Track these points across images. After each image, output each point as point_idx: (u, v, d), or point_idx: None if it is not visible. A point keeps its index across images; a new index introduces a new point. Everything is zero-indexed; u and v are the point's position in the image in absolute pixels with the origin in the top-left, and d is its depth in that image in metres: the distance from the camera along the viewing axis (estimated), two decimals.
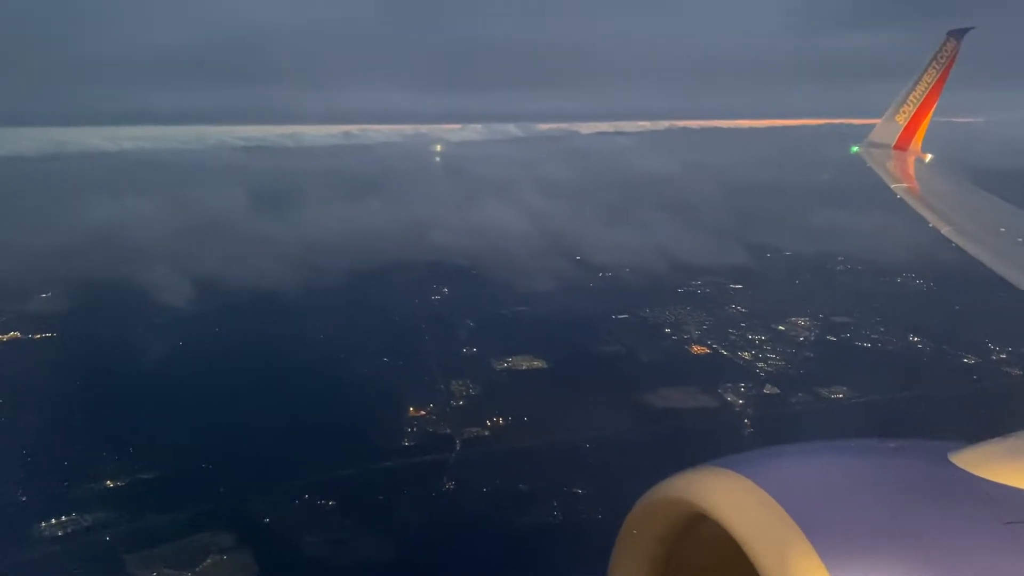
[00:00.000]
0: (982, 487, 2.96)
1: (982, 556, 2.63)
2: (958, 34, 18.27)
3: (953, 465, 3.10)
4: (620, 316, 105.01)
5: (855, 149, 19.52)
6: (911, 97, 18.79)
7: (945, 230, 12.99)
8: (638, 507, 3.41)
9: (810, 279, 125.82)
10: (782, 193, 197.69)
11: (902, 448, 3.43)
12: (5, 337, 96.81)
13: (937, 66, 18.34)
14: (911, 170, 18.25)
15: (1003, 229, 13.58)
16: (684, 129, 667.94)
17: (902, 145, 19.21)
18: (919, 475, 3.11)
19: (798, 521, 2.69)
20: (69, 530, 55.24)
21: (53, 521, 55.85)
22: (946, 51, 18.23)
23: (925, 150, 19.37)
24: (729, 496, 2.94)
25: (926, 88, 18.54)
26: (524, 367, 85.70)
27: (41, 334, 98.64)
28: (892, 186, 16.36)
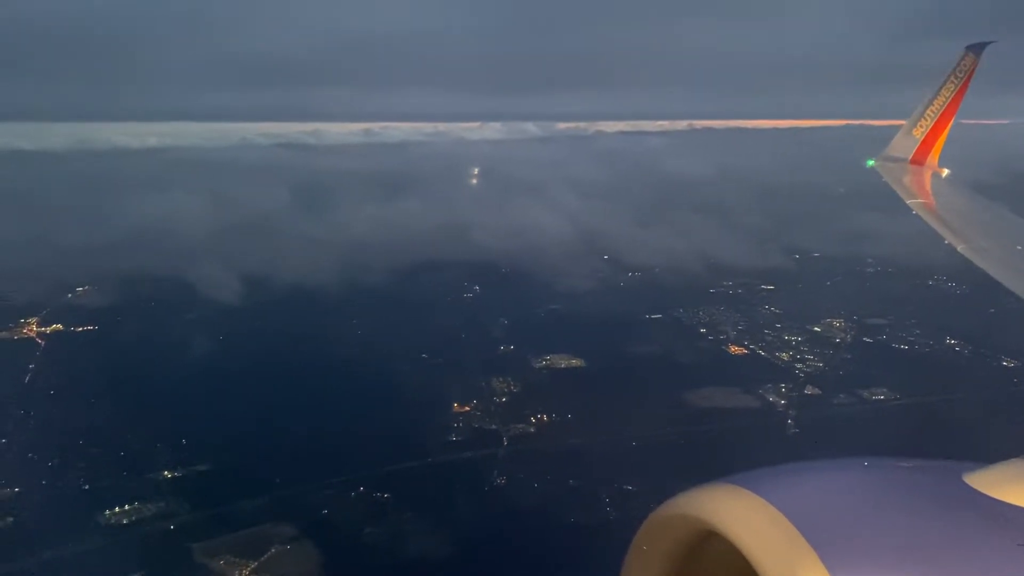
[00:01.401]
0: (997, 508, 2.94)
1: None
2: (977, 48, 18.05)
3: (967, 486, 3.08)
4: (654, 316, 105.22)
5: (871, 163, 19.05)
6: (928, 111, 18.48)
7: (961, 247, 12.82)
8: (647, 524, 3.36)
9: (841, 281, 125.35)
10: (808, 194, 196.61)
11: (916, 467, 3.41)
12: (48, 330, 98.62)
13: (955, 81, 18.06)
14: (927, 185, 17.93)
15: (1020, 247, 13.39)
16: (706, 129, 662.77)
17: (919, 160, 18.80)
18: (932, 495, 3.09)
19: (809, 539, 2.67)
20: (134, 518, 56.71)
21: (117, 509, 57.38)
22: (964, 66, 17.97)
23: (947, 158, 19.00)
24: (740, 513, 2.92)
25: (944, 102, 18.25)
26: (563, 365, 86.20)
27: (83, 327, 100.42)
28: (908, 201, 16.22)
